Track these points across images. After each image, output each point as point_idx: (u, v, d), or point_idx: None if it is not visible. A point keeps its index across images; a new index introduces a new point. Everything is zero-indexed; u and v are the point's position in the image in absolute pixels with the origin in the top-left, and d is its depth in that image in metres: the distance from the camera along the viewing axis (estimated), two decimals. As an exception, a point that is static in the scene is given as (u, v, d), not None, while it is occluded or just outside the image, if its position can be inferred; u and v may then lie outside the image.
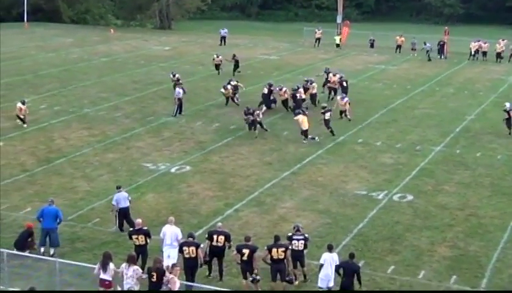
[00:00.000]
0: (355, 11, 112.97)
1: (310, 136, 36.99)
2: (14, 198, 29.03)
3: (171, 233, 22.56)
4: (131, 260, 20.26)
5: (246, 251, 21.33)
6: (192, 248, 21.67)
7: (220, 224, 23.75)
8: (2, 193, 29.52)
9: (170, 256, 22.21)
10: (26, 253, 23.06)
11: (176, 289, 19.46)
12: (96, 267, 20.39)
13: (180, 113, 41.62)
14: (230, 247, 22.57)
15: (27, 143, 36.09)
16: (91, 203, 28.57)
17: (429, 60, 64.36)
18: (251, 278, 21.25)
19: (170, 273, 19.79)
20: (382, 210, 28.52)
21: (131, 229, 23.01)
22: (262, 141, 37.13)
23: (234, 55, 54.48)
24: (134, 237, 22.51)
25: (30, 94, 46.50)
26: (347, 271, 20.68)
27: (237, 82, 45.66)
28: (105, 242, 24.85)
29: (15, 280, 21.30)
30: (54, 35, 76.62)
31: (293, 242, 22.02)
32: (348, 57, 66.28)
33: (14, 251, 22.83)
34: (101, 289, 20.29)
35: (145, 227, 22.86)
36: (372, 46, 72.69)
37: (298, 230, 22.37)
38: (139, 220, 23.06)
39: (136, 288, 19.71)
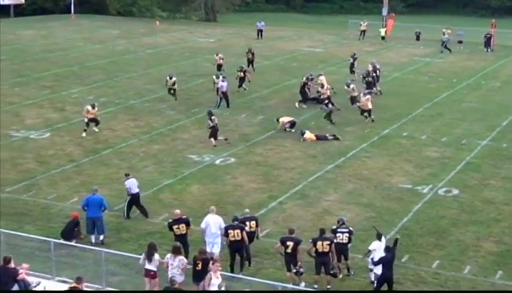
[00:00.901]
0: (401, 3, 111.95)
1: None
2: (61, 188, 29.35)
3: (214, 222, 22.71)
4: (176, 251, 20.38)
5: (290, 244, 21.31)
6: (237, 231, 22.07)
7: (247, 210, 24.00)
8: (50, 183, 29.89)
9: (214, 245, 22.47)
10: (73, 243, 23.33)
11: (210, 288, 19.45)
12: (141, 257, 20.53)
13: (228, 106, 41.62)
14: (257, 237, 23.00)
15: (74, 134, 36.42)
16: (137, 194, 28.74)
17: (443, 51, 63.72)
18: (295, 270, 21.25)
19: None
20: (427, 204, 28.28)
21: (171, 220, 23.09)
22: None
23: (250, 49, 53.46)
24: (174, 227, 22.60)
25: (77, 85, 47.00)
26: (387, 263, 20.58)
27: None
28: (150, 233, 25.01)
29: (62, 269, 21.53)
30: (100, 27, 77.21)
31: (338, 235, 21.96)
32: (393, 50, 65.77)
33: (61, 241, 23.08)
34: (146, 279, 20.43)
35: (185, 216, 23.01)
36: (418, 38, 71.99)
37: (343, 223, 22.31)
38: (178, 211, 23.18)
39: (181, 279, 19.79)
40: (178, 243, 21.09)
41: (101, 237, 24.29)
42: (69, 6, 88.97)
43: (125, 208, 26.41)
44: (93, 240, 24.18)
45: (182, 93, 44.61)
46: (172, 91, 43.15)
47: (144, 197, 28.23)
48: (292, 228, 22.20)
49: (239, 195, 28.88)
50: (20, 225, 25.39)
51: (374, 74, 46.02)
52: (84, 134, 35.75)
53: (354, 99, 41.42)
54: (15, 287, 19.65)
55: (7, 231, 22.77)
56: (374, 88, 44.98)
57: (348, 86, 42.13)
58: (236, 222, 22.48)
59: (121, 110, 41.04)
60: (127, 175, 27.04)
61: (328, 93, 41.08)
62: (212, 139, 34.79)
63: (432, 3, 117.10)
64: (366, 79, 45.29)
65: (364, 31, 72.35)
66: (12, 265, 19.82)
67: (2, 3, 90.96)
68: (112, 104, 41.36)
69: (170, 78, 43.32)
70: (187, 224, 22.72)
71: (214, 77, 43.49)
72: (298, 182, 30.46)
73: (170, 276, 19.85)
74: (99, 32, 73.76)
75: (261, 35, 71.19)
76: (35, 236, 23.27)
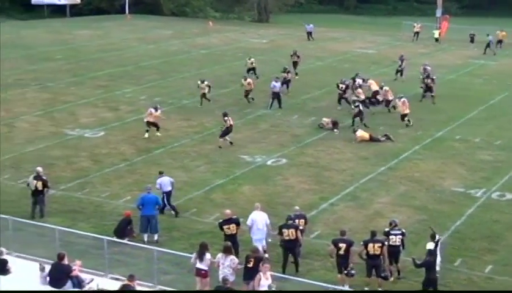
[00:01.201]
0: (455, 5, 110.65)
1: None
2: (114, 186, 29.66)
3: (261, 219, 22.99)
4: (227, 251, 20.43)
5: (343, 246, 21.23)
6: (292, 230, 22.16)
7: (297, 207, 24.02)
8: (103, 181, 30.22)
9: (260, 242, 22.73)
10: (125, 241, 23.54)
11: (259, 288, 19.47)
12: (193, 256, 20.62)
13: (280, 107, 41.62)
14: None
15: (127, 133, 36.78)
16: (188, 193, 28.92)
17: (486, 53, 62.89)
18: (346, 272, 21.16)
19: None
20: (480, 208, 27.92)
21: (221, 220, 23.17)
22: (358, 135, 36.81)
23: (295, 52, 52.72)
24: (225, 227, 22.67)
25: (131, 85, 47.46)
26: (430, 267, 20.43)
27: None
28: (202, 232, 25.11)
29: (115, 267, 21.73)
30: (154, 27, 77.83)
31: (390, 237, 21.81)
32: (448, 52, 65.13)
33: (114, 239, 23.32)
34: (197, 278, 20.52)
35: (235, 216, 23.09)
36: (472, 40, 71.09)
37: (395, 225, 22.16)
38: (228, 211, 23.26)
39: (232, 278, 19.84)
40: (229, 243, 21.14)
41: (156, 237, 24.47)
42: (124, 6, 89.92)
43: (170, 206, 26.70)
44: (146, 239, 24.38)
45: (234, 93, 44.73)
46: (204, 96, 42.11)
47: (196, 197, 28.46)
48: (344, 230, 22.11)
49: (290, 195, 28.85)
50: (74, 222, 25.72)
51: (423, 77, 45.62)
52: (146, 135, 35.61)
53: (388, 103, 41.29)
54: (69, 284, 19.90)
55: (62, 228, 23.06)
56: (427, 92, 44.60)
57: (381, 89, 41.96)
58: (291, 221, 22.60)
59: (174, 110, 41.30)
60: (161, 173, 27.32)
61: (362, 96, 40.88)
62: (221, 139, 34.76)
63: (486, 5, 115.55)
64: (426, 81, 44.84)
65: (418, 33, 71.80)
66: (66, 261, 20.08)
67: (58, 3, 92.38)
68: (165, 104, 41.59)
69: (202, 82, 42.47)
70: (238, 224, 22.79)
71: (242, 79, 43.41)
72: (349, 183, 30.34)
73: (220, 275, 19.91)
74: (153, 32, 74.36)
75: (310, 37, 70.91)
76: (89, 233, 23.54)
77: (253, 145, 35.31)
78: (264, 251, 22.70)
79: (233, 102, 43.11)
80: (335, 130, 37.52)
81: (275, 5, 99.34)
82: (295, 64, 51.43)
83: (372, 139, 35.89)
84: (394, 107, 40.34)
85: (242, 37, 72.78)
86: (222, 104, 42.67)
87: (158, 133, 35.87)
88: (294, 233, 22.15)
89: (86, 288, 20.07)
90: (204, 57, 59.03)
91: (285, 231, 22.21)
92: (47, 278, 20.07)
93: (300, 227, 22.81)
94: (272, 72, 47.99)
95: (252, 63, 50.18)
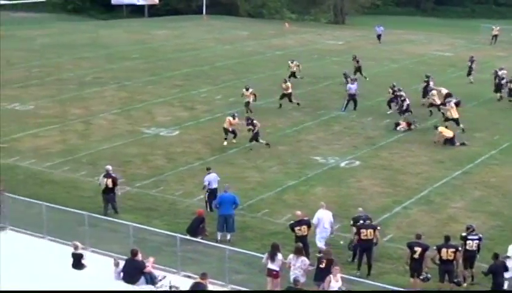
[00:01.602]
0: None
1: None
2: (188, 184, 29.90)
3: (327, 217, 23.26)
4: (298, 252, 20.42)
5: (418, 249, 20.97)
6: (370, 230, 22.26)
7: (360, 209, 23.98)
8: (178, 179, 30.51)
9: (324, 239, 23.03)
10: (198, 239, 23.69)
11: (330, 289, 19.39)
12: (265, 256, 20.65)
13: (355, 108, 41.35)
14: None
15: (202, 132, 37.06)
16: (261, 194, 28.98)
17: None
18: (421, 277, 20.87)
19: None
20: (558, 215, 27.27)
21: (292, 221, 23.14)
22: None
23: (354, 57, 51.62)
24: (296, 228, 22.64)
25: (206, 85, 47.79)
26: (497, 271, 20.18)
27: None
28: (273, 233, 25.14)
29: (187, 264, 21.90)
30: (230, 28, 78.26)
31: (467, 242, 21.50)
32: (527, 55, 63.77)
33: (187, 237, 23.51)
34: (268, 278, 20.53)
35: (306, 218, 23.04)
36: (553, 44, 69.52)
37: (473, 230, 21.82)
38: (299, 212, 23.22)
39: (303, 279, 19.80)
40: (301, 244, 21.10)
41: (229, 236, 24.58)
42: (201, 7, 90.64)
43: (206, 203, 27.03)
44: (219, 237, 24.51)
45: (308, 94, 44.66)
46: (248, 105, 40.11)
47: (268, 197, 28.52)
48: (419, 233, 21.84)
49: (363, 198, 28.64)
50: (148, 219, 26.03)
51: (497, 81, 44.78)
52: (225, 143, 35.01)
53: (433, 106, 40.12)
54: (142, 280, 20.13)
55: (136, 225, 23.37)
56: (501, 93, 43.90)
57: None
58: (368, 221, 22.67)
59: (278, 107, 41.45)
60: (208, 169, 27.61)
61: (438, 101, 39.83)
62: (254, 142, 34.41)
63: None
64: (509, 85, 43.98)
65: (496, 36, 70.46)
66: (139, 258, 20.33)
67: (137, 3, 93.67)
68: (239, 104, 41.74)
69: (247, 90, 40.49)
70: (309, 225, 22.78)
71: (283, 82, 42.62)
72: (423, 187, 29.96)
73: (291, 276, 19.91)
74: (230, 32, 74.77)
75: (380, 39, 70.03)
76: (162, 231, 23.79)
77: (326, 147, 35.18)
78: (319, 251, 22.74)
79: (306, 104, 43.00)
80: (412, 127, 37.18)
81: (351, 7, 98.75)
82: (359, 69, 50.21)
83: (451, 141, 35.25)
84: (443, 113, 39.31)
85: (318, 39, 72.58)
86: (296, 105, 42.58)
87: (234, 140, 35.39)
88: (372, 233, 22.22)
89: (158, 285, 20.27)
90: (280, 58, 58.99)
91: (363, 231, 22.28)
92: (121, 274, 20.34)
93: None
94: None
95: (297, 66, 49.01)
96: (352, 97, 41.52)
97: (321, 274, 20.05)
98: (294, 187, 29.89)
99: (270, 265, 20.46)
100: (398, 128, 37.63)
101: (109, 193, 26.46)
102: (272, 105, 42.44)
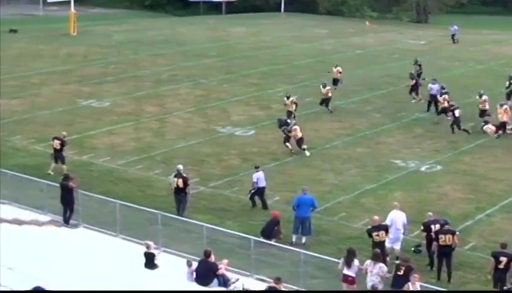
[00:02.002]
0: None
1: None
2: (263, 186, 29.91)
3: (400, 218, 23.19)
4: (376, 258, 20.20)
5: (504, 259, 20.54)
6: (449, 236, 22.00)
7: (430, 213, 23.56)
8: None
9: (397, 241, 22.94)
10: (272, 242, 23.65)
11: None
12: (340, 261, 20.49)
13: (437, 111, 40.64)
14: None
15: (278, 133, 36.93)
16: (338, 197, 28.82)
17: None
18: (505, 288, 20.42)
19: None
20: None
21: (370, 226, 22.94)
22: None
23: (416, 61, 49.73)
24: (374, 233, 22.41)
25: (283, 84, 47.77)
26: None
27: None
28: (350, 237, 24.95)
29: (260, 268, 21.89)
30: (309, 26, 78.15)
31: None
32: None
33: (261, 239, 23.49)
34: (344, 284, 20.38)
35: (384, 223, 22.81)
36: None
37: None
38: (377, 217, 22.96)
39: (380, 286, 19.59)
40: (379, 250, 20.88)
41: (304, 239, 24.51)
42: (279, 4, 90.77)
43: (250, 199, 27.56)
44: (294, 240, 24.46)
45: (388, 95, 44.29)
46: (290, 114, 37.47)
47: (345, 200, 28.33)
48: (505, 242, 21.37)
49: (444, 204, 28.21)
50: (222, 220, 26.14)
51: None
52: (307, 154, 34.07)
53: (483, 113, 39.06)
54: (214, 282, 20.20)
55: (209, 225, 23.48)
56: None
57: (480, 97, 39.69)
58: (447, 226, 22.44)
59: (326, 111, 41.22)
60: (257, 168, 27.86)
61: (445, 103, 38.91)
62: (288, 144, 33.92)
63: None
64: None
65: None
66: (212, 259, 20.39)
67: (215, 0, 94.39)
68: (317, 104, 41.65)
69: (288, 98, 38.41)
70: (387, 231, 22.54)
71: (321, 86, 41.28)
72: (508, 194, 29.35)
73: (368, 283, 19.73)
74: (308, 31, 74.66)
75: (454, 40, 68.79)
76: (236, 232, 23.82)
77: (406, 150, 34.79)
78: (397, 258, 22.56)
79: (386, 104, 42.64)
80: (500, 132, 36.66)
81: (435, 5, 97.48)
82: (418, 74, 47.62)
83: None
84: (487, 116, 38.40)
85: (399, 38, 71.89)
86: (376, 106, 42.31)
87: (307, 154, 34.24)
88: (451, 239, 21.95)
89: (231, 287, 20.31)
90: (359, 57, 58.69)
91: (441, 236, 22.03)
92: (194, 275, 20.44)
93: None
94: (429, 74, 47.02)
95: (339, 73, 46.48)
96: (434, 99, 40.89)
97: (399, 282, 19.78)
98: (373, 190, 29.63)
99: (346, 271, 20.30)
100: (485, 128, 36.77)
101: (180, 193, 26.48)
102: (351, 105, 42.20)
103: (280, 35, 70.92)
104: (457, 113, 37.21)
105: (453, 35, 69.13)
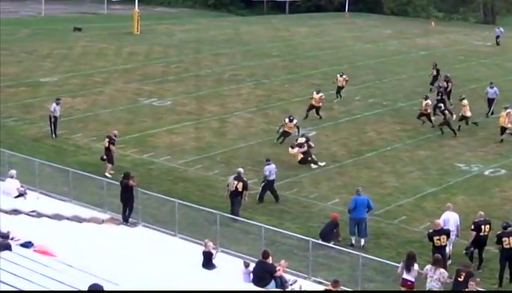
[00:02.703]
0: None
1: None
2: (323, 187, 29.90)
3: (453, 220, 23.10)
4: (437, 263, 20.00)
5: None
6: None
7: (481, 213, 23.47)
8: (312, 181, 30.56)
9: (448, 242, 22.64)
10: (331, 244, 23.61)
11: None
12: (400, 266, 20.36)
13: (491, 113, 40.17)
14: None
15: (339, 134, 36.97)
16: (398, 200, 28.66)
17: None
18: None
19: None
20: None
21: (431, 230, 22.73)
22: None
23: (435, 65, 48.02)
24: (435, 238, 22.22)
25: (345, 85, 47.44)
26: None
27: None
28: (410, 241, 24.78)
29: (318, 270, 21.90)
30: (373, 26, 77.74)
31: None
32: None
33: (320, 241, 23.46)
34: (403, 289, 20.24)
35: (446, 227, 22.59)
36: None
37: None
38: (438, 221, 22.77)
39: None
40: (440, 255, 20.69)
41: (363, 241, 24.44)
42: (343, 4, 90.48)
43: (260, 192, 27.95)
44: (353, 241, 24.46)
45: (453, 98, 43.73)
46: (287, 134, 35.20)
47: (406, 203, 28.15)
48: None
49: (508, 209, 27.84)
50: (280, 221, 26.18)
51: None
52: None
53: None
54: (272, 283, 20.23)
55: (268, 226, 23.54)
56: None
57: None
58: (510, 228, 22.20)
59: (388, 113, 41.00)
60: (267, 160, 28.36)
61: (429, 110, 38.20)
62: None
63: None
64: None
65: None
66: (270, 260, 20.43)
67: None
68: (379, 106, 41.46)
69: (291, 120, 35.31)
70: (448, 235, 22.35)
71: (314, 92, 39.79)
72: None
73: (428, 288, 19.56)
74: (372, 31, 74.27)
75: (498, 42, 67.45)
76: (294, 234, 23.84)
77: (470, 153, 34.40)
78: (449, 256, 22.64)
79: (451, 107, 42.09)
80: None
81: (502, 6, 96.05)
82: (436, 78, 46.46)
83: None
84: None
85: (465, 39, 71.06)
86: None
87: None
88: None
89: (288, 289, 20.34)
90: (423, 59, 58.13)
91: (505, 239, 21.84)
92: (251, 275, 20.52)
93: (485, 233, 22.69)
94: (494, 77, 46.37)
95: (345, 81, 44.04)
96: (491, 102, 40.47)
97: (459, 287, 19.60)
98: (434, 194, 29.37)
99: (406, 276, 20.15)
100: None
101: (236, 196, 26.36)
102: (414, 107, 41.80)
103: (343, 35, 70.72)
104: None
105: (497, 37, 68.01)
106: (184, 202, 25.27)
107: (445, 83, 42.64)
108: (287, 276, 20.75)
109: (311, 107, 39.53)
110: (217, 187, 29.56)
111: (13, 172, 26.82)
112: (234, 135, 36.81)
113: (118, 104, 42.11)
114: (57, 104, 35.56)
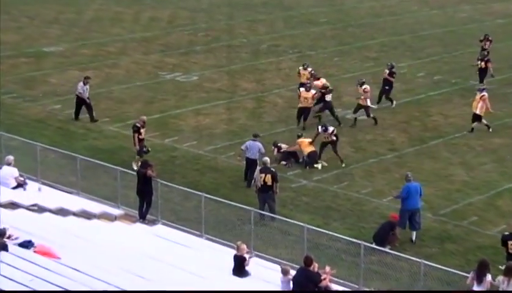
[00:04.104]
0: None
1: None
2: (378, 181, 29.80)
3: None
4: (510, 273, 19.85)
5: None
6: None
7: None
8: (365, 174, 30.50)
9: None
10: (386, 249, 23.51)
11: None
12: (470, 276, 20.23)
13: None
14: None
15: (398, 118, 36.77)
16: (468, 197, 28.51)
17: None
18: None
19: None
20: None
21: (507, 233, 22.59)
22: None
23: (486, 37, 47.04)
24: (510, 242, 22.15)
25: (406, 59, 47.41)
26: None
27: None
28: (481, 247, 24.66)
29: (370, 279, 21.86)
30: (441, -11, 77.19)
31: None
32: None
33: (373, 245, 23.37)
34: (473, 303, 20.15)
35: None
36: None
37: None
38: None
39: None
40: (514, 264, 20.58)
41: (414, 235, 24.54)
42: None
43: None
44: (414, 238, 24.69)
45: None
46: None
47: (477, 202, 28.07)
48: None
49: None
50: (326, 221, 26.16)
51: None
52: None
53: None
54: (315, 295, 20.19)
55: (311, 227, 23.41)
56: None
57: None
58: None
59: (458, 92, 40.76)
60: (255, 136, 29.51)
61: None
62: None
63: None
64: None
65: None
66: (314, 267, 20.31)
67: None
68: (447, 84, 41.22)
69: (298, 137, 32.38)
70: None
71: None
72: None
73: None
74: (439, -6, 73.78)
75: None
76: (343, 236, 23.74)
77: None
78: None
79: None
80: None
81: None
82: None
83: None
84: None
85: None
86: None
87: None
88: None
89: (335, 301, 20.30)
90: (500, 28, 57.57)
91: None
92: (291, 284, 20.47)
93: None
94: None
95: (310, 76, 38.67)
96: None
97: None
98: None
99: (477, 287, 20.03)
100: None
101: (267, 191, 26.26)
102: (489, 86, 41.43)
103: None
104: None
105: None
106: (213, 197, 25.29)
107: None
108: (334, 286, 20.66)
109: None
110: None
111: (10, 158, 26.92)
112: (272, 117, 36.79)
113: (135, 79, 42.29)
114: (85, 83, 35.60)
